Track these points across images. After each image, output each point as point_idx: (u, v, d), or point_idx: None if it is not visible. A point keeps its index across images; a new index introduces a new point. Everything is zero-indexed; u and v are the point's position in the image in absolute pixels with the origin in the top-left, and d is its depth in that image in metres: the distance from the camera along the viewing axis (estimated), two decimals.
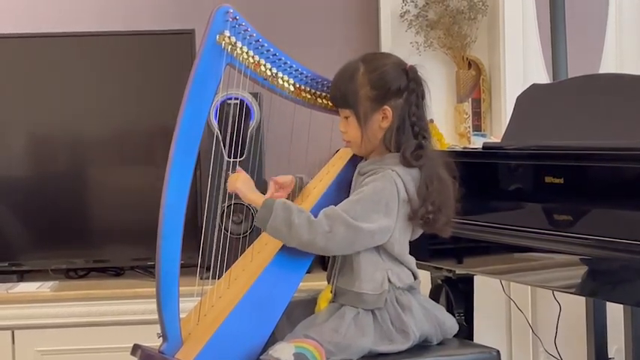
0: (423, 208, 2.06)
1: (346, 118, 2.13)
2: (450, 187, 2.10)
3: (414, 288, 2.12)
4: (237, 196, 2.17)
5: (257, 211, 2.08)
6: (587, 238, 2.07)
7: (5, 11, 3.43)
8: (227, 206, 2.91)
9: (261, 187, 3.04)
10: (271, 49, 2.11)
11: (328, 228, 2.00)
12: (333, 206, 2.04)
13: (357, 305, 2.06)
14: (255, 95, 3.08)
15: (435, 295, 2.66)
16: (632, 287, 1.98)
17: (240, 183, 2.12)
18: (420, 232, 2.14)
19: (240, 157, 2.98)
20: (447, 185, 2.09)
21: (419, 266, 2.15)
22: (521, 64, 3.38)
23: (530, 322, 3.19)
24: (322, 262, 2.80)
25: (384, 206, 2.03)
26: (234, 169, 2.89)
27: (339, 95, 2.13)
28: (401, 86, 2.09)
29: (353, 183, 2.16)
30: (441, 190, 2.07)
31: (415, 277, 2.13)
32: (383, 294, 2.05)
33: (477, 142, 3.18)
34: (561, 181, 2.17)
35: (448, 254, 2.51)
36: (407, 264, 2.11)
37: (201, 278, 2.23)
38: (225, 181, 2.15)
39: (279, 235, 2.05)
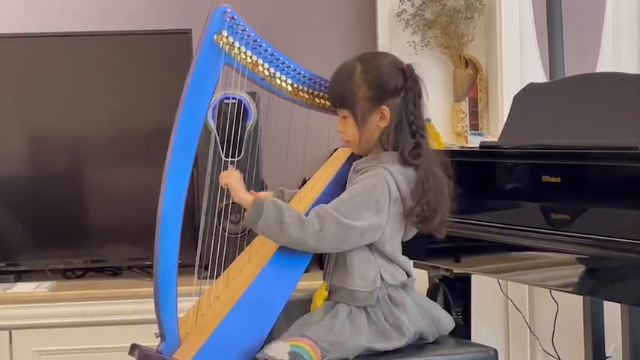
0: (419, 207, 2.06)
1: (344, 118, 2.13)
2: (446, 187, 2.10)
3: (408, 285, 2.13)
4: None
5: (245, 211, 2.08)
6: (584, 237, 2.07)
7: (3, 11, 3.43)
8: (225, 206, 2.90)
9: (258, 187, 3.06)
10: (269, 49, 2.11)
11: (319, 227, 2.00)
12: (323, 204, 2.04)
13: (350, 302, 2.06)
14: (252, 95, 3.08)
15: (432, 294, 2.66)
16: (629, 286, 1.98)
17: (234, 180, 2.11)
18: (413, 232, 2.14)
19: (237, 157, 2.98)
20: (442, 184, 2.09)
21: (416, 265, 2.16)
22: (518, 63, 3.38)
23: (527, 321, 3.19)
24: (320, 262, 2.80)
25: (375, 204, 2.03)
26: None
27: (337, 95, 2.13)
28: (398, 85, 2.09)
29: (348, 180, 2.16)
30: (436, 190, 2.08)
31: (408, 276, 2.13)
32: (375, 291, 2.05)
33: (474, 142, 3.18)
34: (558, 180, 2.18)
35: (445, 253, 2.51)
36: (399, 263, 2.11)
37: (199, 278, 2.22)
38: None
39: (269, 234, 2.06)
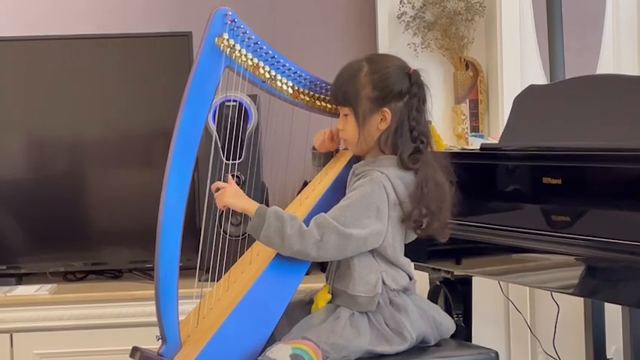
0: (417, 211, 2.06)
1: (345, 115, 2.13)
2: (447, 192, 2.10)
3: (409, 289, 2.13)
4: None
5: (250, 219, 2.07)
6: (585, 239, 2.07)
7: (4, 14, 3.43)
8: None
9: (258, 190, 3.06)
10: (270, 52, 2.11)
11: (319, 237, 2.00)
12: (323, 214, 2.04)
13: (351, 307, 2.06)
14: (253, 97, 3.08)
15: (433, 296, 2.66)
16: (630, 287, 1.98)
17: (229, 196, 2.08)
18: (414, 235, 2.14)
19: (238, 160, 2.98)
20: (443, 190, 2.09)
21: (417, 267, 2.16)
22: (518, 65, 3.38)
23: (528, 323, 3.19)
24: (321, 264, 2.80)
25: (375, 210, 2.03)
26: (232, 171, 2.90)
27: (341, 93, 2.13)
28: (402, 89, 2.09)
29: (347, 183, 2.16)
30: (436, 194, 2.07)
31: (410, 279, 2.13)
32: (376, 297, 2.05)
33: (474, 143, 3.19)
34: (559, 181, 2.18)
35: (446, 255, 2.51)
36: (402, 266, 2.11)
37: (199, 280, 2.22)
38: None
39: (271, 245, 2.05)
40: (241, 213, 2.11)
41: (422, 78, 2.12)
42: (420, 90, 2.11)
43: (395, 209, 2.06)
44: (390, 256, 2.08)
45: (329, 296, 2.11)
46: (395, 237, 2.08)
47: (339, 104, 2.15)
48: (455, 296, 2.63)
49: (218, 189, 2.11)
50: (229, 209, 2.12)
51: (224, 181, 2.13)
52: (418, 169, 2.07)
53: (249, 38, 2.06)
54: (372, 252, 2.07)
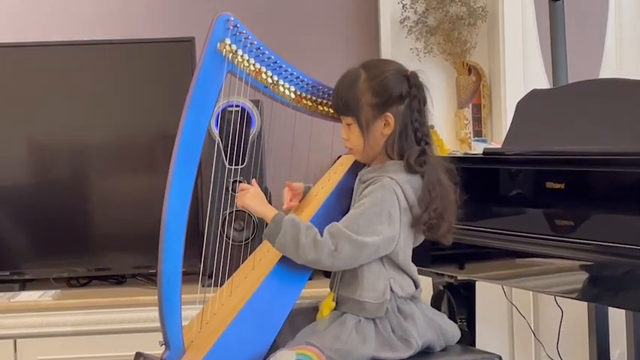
0: (426, 214, 2.05)
1: (348, 125, 2.13)
2: (451, 193, 2.10)
3: (416, 297, 2.12)
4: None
5: (267, 224, 2.08)
6: (588, 243, 2.07)
7: (8, 20, 3.44)
8: (228, 213, 2.90)
9: None
10: (272, 57, 2.11)
11: (334, 247, 2.00)
12: (336, 223, 2.03)
13: (359, 313, 2.06)
14: (256, 102, 3.08)
15: (436, 301, 2.66)
16: (634, 292, 1.98)
17: (249, 198, 2.10)
18: (420, 239, 2.14)
19: (241, 165, 2.98)
20: (448, 191, 2.09)
21: (420, 272, 2.16)
22: (521, 70, 3.38)
23: (532, 328, 3.19)
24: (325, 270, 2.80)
25: (387, 216, 2.03)
26: (235, 176, 2.90)
27: (341, 103, 2.13)
28: (402, 93, 2.09)
29: (354, 190, 2.16)
30: (442, 196, 2.07)
31: (417, 286, 2.13)
32: (384, 303, 2.05)
33: (477, 148, 3.18)
34: (562, 186, 2.17)
35: (450, 260, 2.51)
36: (409, 272, 2.11)
37: (203, 286, 2.23)
38: (227, 190, 2.14)
39: (286, 252, 2.06)
40: (244, 218, 2.12)
41: (420, 79, 2.12)
42: (419, 91, 2.11)
43: (405, 214, 2.06)
44: (400, 262, 2.08)
45: (333, 304, 2.10)
46: (406, 242, 2.08)
47: (341, 114, 2.15)
48: (458, 301, 2.63)
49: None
50: (232, 214, 2.12)
51: (227, 185, 2.13)
52: (425, 172, 2.07)
53: (251, 43, 2.06)
54: (382, 258, 2.07)
